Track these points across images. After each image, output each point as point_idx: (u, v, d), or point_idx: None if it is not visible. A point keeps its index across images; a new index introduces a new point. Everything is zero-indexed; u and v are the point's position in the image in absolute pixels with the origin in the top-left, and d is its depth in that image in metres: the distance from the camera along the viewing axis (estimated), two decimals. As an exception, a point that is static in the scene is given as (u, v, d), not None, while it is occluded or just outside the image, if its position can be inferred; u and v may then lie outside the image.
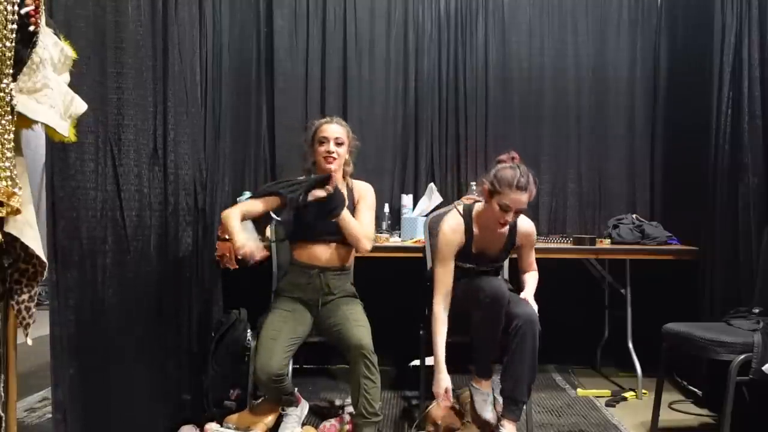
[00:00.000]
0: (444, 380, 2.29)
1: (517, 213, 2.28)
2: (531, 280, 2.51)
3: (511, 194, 2.22)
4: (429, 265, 2.68)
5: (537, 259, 2.57)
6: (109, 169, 1.99)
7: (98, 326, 1.95)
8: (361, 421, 2.25)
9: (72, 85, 1.51)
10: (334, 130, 2.49)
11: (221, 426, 2.47)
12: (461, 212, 2.43)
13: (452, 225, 2.39)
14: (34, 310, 1.45)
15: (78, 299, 1.86)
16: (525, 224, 2.47)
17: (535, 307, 2.34)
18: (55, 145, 1.73)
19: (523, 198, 2.24)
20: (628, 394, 3.07)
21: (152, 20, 2.25)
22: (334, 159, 2.47)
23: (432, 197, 3.34)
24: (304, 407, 2.57)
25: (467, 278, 2.39)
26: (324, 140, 2.49)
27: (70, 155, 1.82)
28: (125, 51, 2.08)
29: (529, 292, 2.43)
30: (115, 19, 2.03)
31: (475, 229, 2.40)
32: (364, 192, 2.56)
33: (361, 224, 2.45)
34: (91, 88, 1.84)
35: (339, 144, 2.48)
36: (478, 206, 2.43)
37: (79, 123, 1.58)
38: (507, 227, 2.35)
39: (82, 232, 1.88)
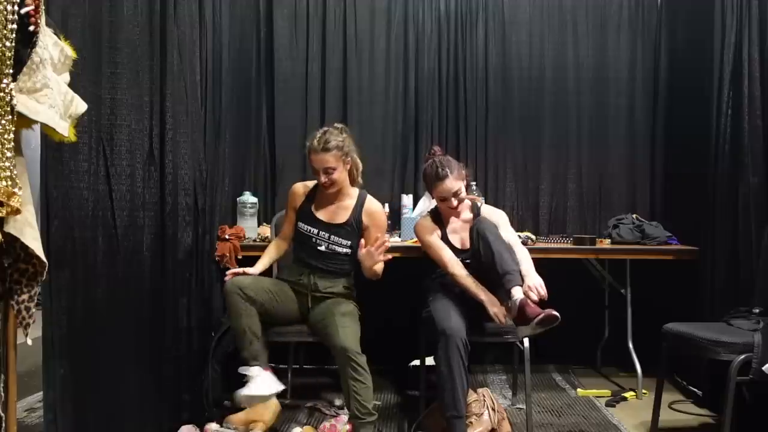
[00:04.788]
0: (492, 302, 2.32)
1: (456, 196, 2.45)
2: (522, 257, 2.42)
3: (438, 187, 2.47)
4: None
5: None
6: (101, 169, 2.00)
7: (89, 327, 1.95)
8: (357, 422, 2.25)
9: (69, 86, 1.51)
10: (321, 160, 2.43)
11: (221, 426, 2.48)
12: (429, 211, 2.71)
13: (423, 216, 2.67)
14: (33, 310, 1.45)
15: (70, 300, 1.86)
16: (487, 207, 2.68)
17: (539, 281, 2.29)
18: (49, 145, 1.73)
19: (448, 184, 2.44)
20: (628, 394, 3.07)
21: (150, 20, 2.24)
22: (330, 185, 2.47)
23: (432, 197, 3.33)
24: (273, 382, 2.32)
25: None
26: (315, 170, 2.48)
27: (64, 155, 1.82)
28: (120, 51, 2.07)
29: (527, 269, 2.36)
30: (111, 19, 2.03)
31: (444, 219, 2.59)
32: (377, 216, 2.55)
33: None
34: (86, 89, 1.83)
35: (331, 171, 2.44)
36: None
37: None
38: (471, 215, 2.58)
39: (75, 232, 1.88)
